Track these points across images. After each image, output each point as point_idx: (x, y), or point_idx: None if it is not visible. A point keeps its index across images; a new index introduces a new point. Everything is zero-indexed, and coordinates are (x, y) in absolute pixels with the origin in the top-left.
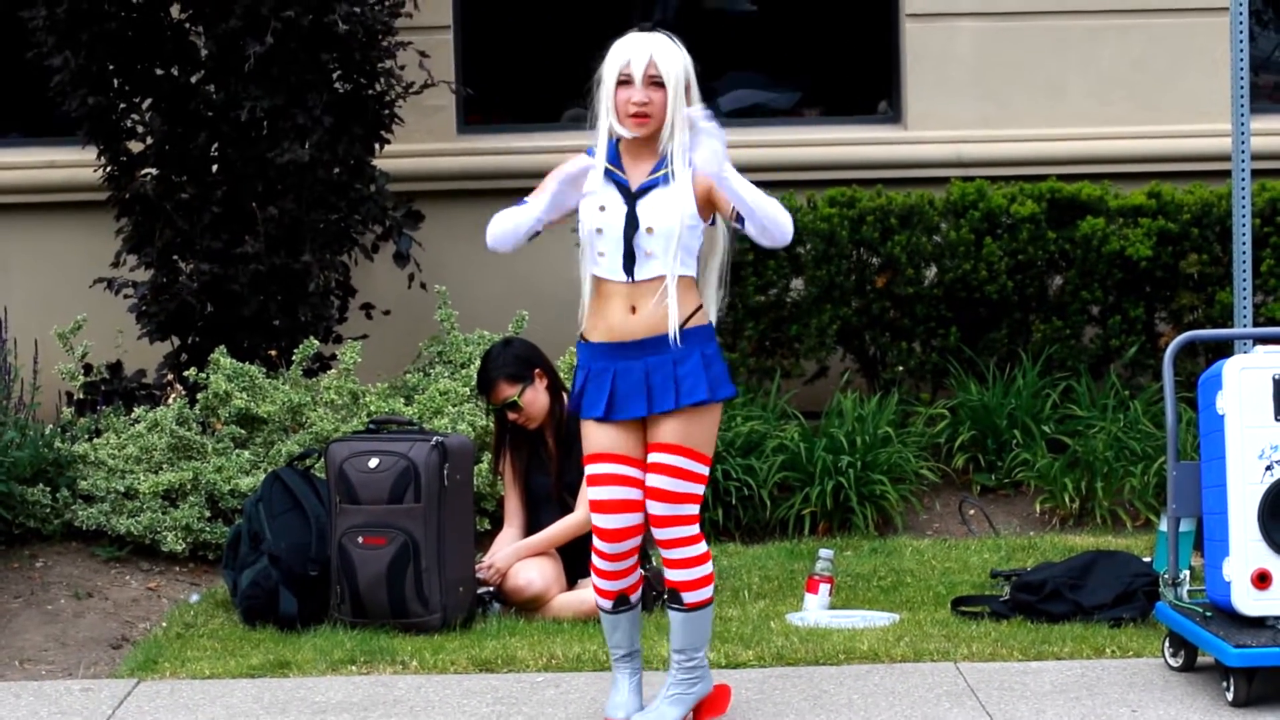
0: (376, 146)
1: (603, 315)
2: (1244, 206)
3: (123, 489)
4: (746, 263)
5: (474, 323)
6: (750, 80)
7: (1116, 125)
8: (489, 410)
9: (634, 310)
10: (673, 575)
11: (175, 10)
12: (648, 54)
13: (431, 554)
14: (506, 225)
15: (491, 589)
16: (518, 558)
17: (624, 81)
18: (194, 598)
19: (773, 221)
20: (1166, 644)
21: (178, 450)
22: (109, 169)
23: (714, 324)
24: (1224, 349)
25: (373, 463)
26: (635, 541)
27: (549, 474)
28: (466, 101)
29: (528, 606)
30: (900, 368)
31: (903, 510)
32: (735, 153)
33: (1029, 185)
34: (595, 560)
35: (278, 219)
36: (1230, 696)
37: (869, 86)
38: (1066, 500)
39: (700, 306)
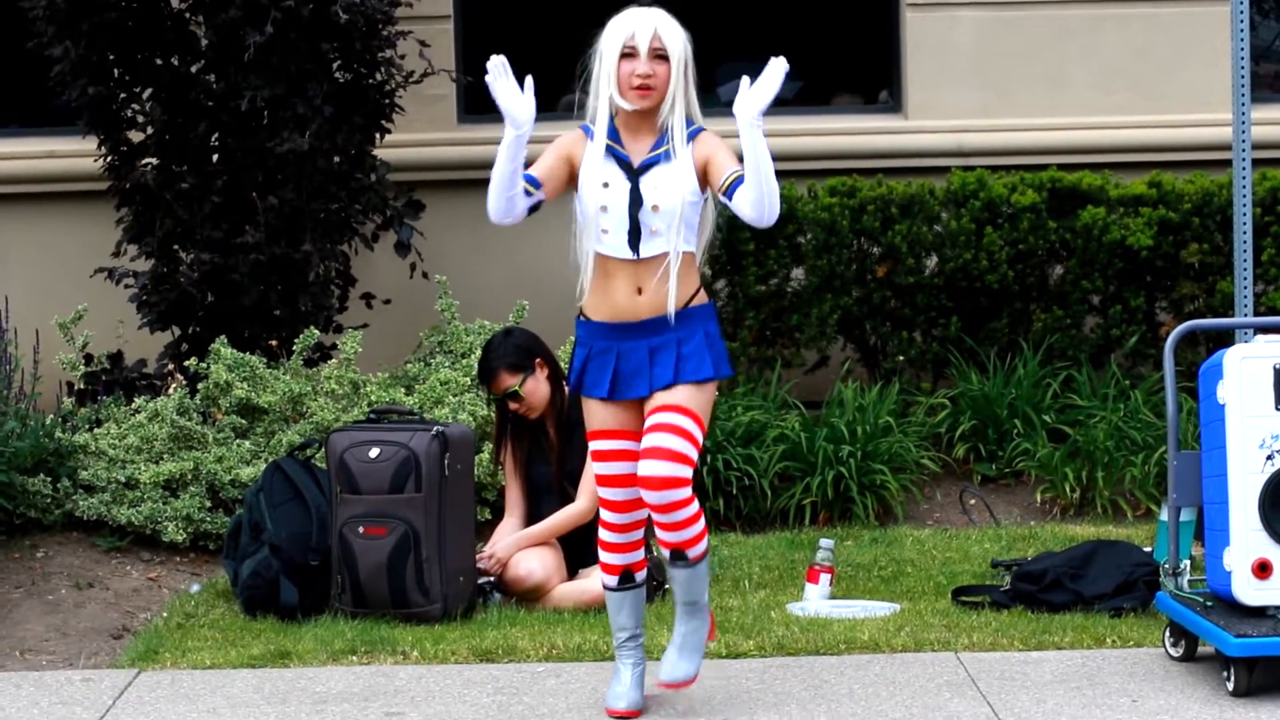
0: (377, 136)
1: (607, 294)
2: (1245, 196)
3: (123, 479)
4: (747, 252)
5: (475, 312)
6: (750, 69)
7: (1117, 115)
8: (490, 400)
9: (639, 291)
10: (675, 537)
11: (175, 0)
12: (652, 27)
13: (432, 544)
14: (498, 191)
15: (492, 579)
16: (518, 548)
17: (628, 54)
18: (195, 588)
19: (771, 190)
20: (1167, 634)
21: (178, 440)
22: (109, 159)
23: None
24: (1225, 338)
25: (373, 452)
26: (643, 513)
27: (550, 464)
28: (467, 91)
29: (528, 596)
30: (901, 357)
31: (903, 500)
32: (735, 142)
33: (1030, 175)
34: (603, 534)
35: (278, 209)
36: (1231, 686)
37: (870, 76)
38: (1067, 490)
39: (700, 286)
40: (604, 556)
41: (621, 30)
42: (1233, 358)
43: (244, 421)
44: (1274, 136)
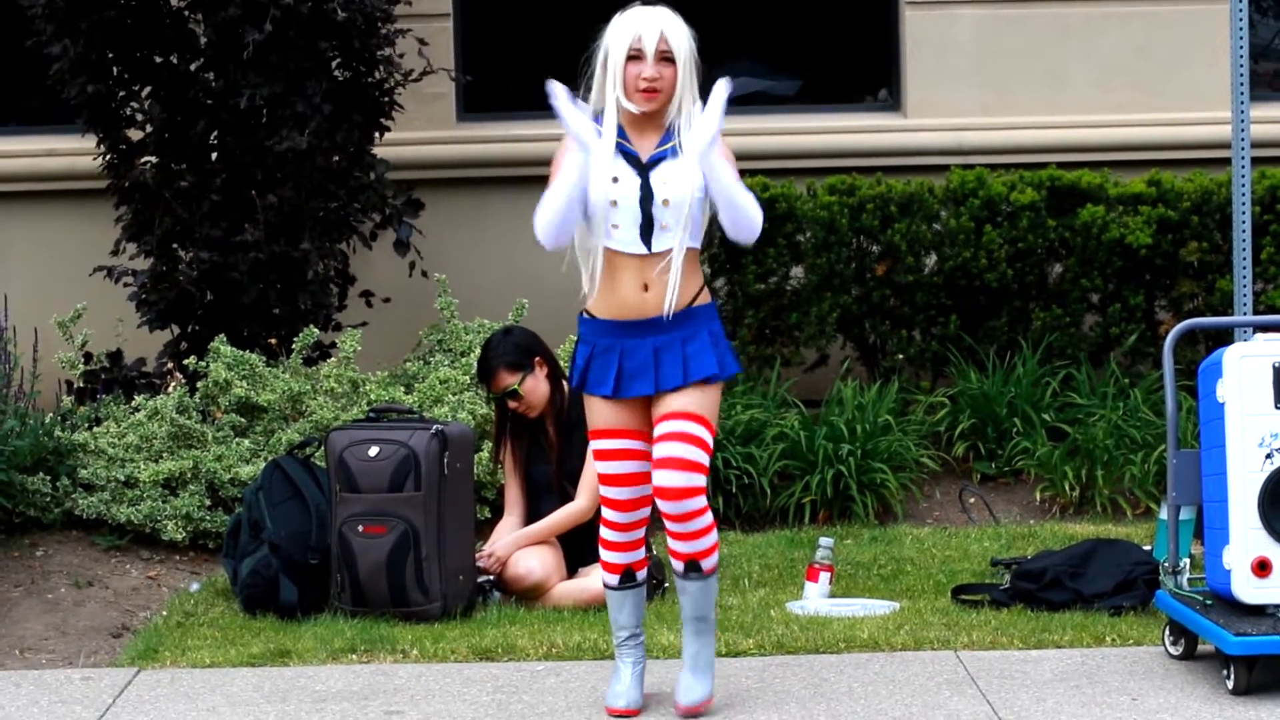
0: (376, 134)
1: (613, 291)
2: (1244, 194)
3: (123, 477)
4: (746, 250)
5: (474, 311)
6: (750, 68)
7: (1116, 113)
8: (489, 399)
9: (646, 288)
10: (691, 547)
11: None
12: (658, 29)
13: (432, 542)
14: (561, 216)
15: (492, 577)
16: (518, 546)
17: (634, 56)
18: (194, 586)
19: (743, 215)
20: (1167, 632)
21: (178, 439)
22: (108, 157)
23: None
24: (1224, 337)
25: (373, 451)
26: (645, 512)
27: (549, 462)
28: (466, 89)
29: (528, 595)
30: (900, 356)
31: (903, 498)
32: (735, 140)
33: (1029, 173)
34: (605, 533)
35: (277, 207)
36: (1230, 685)
37: (869, 74)
38: (1067, 488)
39: (704, 285)
40: (605, 555)
41: (627, 32)
42: (1232, 356)
43: (243, 420)
44: (1273, 135)
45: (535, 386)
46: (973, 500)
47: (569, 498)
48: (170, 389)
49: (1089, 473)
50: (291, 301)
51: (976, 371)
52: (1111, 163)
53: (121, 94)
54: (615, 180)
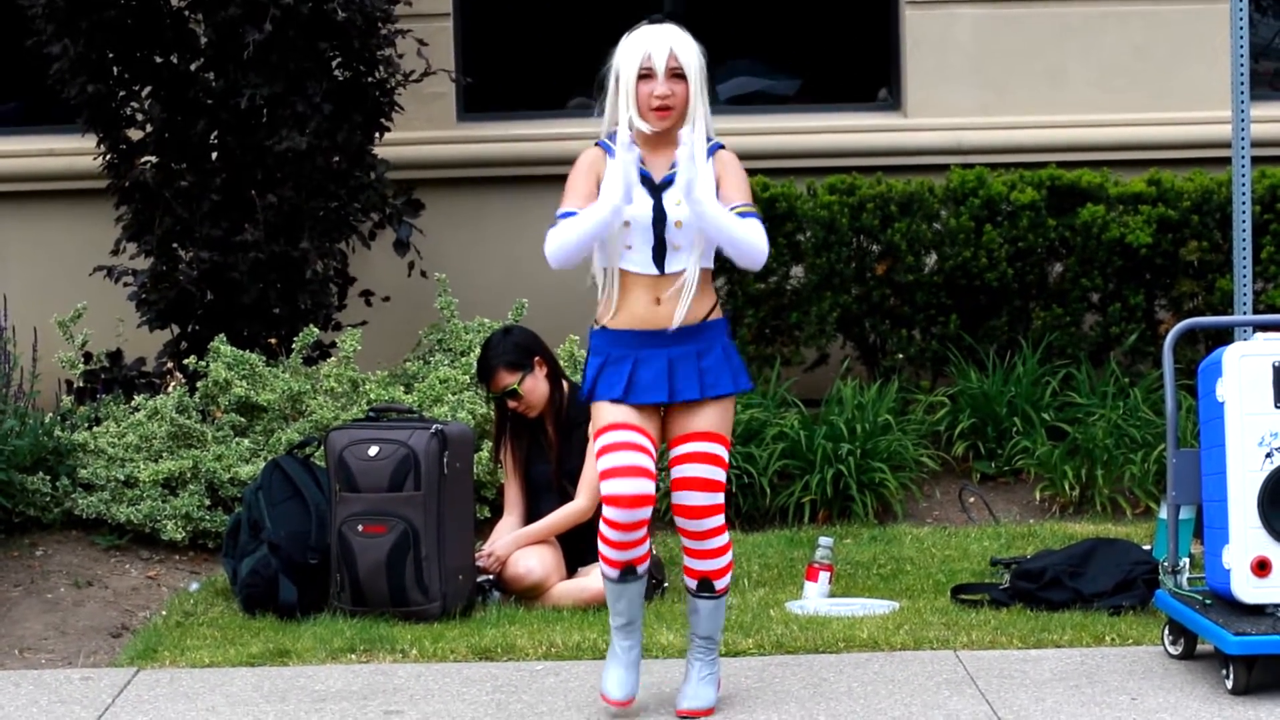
0: (376, 134)
1: (626, 307)
2: (1244, 193)
3: (122, 477)
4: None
5: (474, 310)
6: (750, 68)
7: (1117, 112)
8: (489, 398)
9: (658, 302)
10: (707, 565)
11: None
12: (668, 47)
13: (431, 542)
14: (576, 250)
15: (491, 577)
16: (517, 546)
17: (645, 75)
18: (194, 586)
19: (745, 250)
20: (1166, 632)
21: (177, 438)
22: (108, 157)
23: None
24: (1224, 336)
25: (372, 450)
26: (646, 512)
27: (549, 462)
28: (466, 89)
29: (527, 595)
30: (900, 355)
31: (902, 498)
32: (736, 140)
33: (1029, 172)
34: (605, 530)
35: (277, 207)
36: (1230, 684)
37: (869, 74)
38: (1066, 488)
39: (717, 301)
40: (605, 551)
41: (637, 51)
42: (1232, 355)
43: (243, 420)
44: (1273, 134)
45: (535, 386)
46: (972, 500)
47: (568, 497)
48: (170, 389)
49: (1089, 472)
50: (291, 301)
51: (976, 371)
52: (1111, 162)
53: (121, 94)
54: (629, 203)
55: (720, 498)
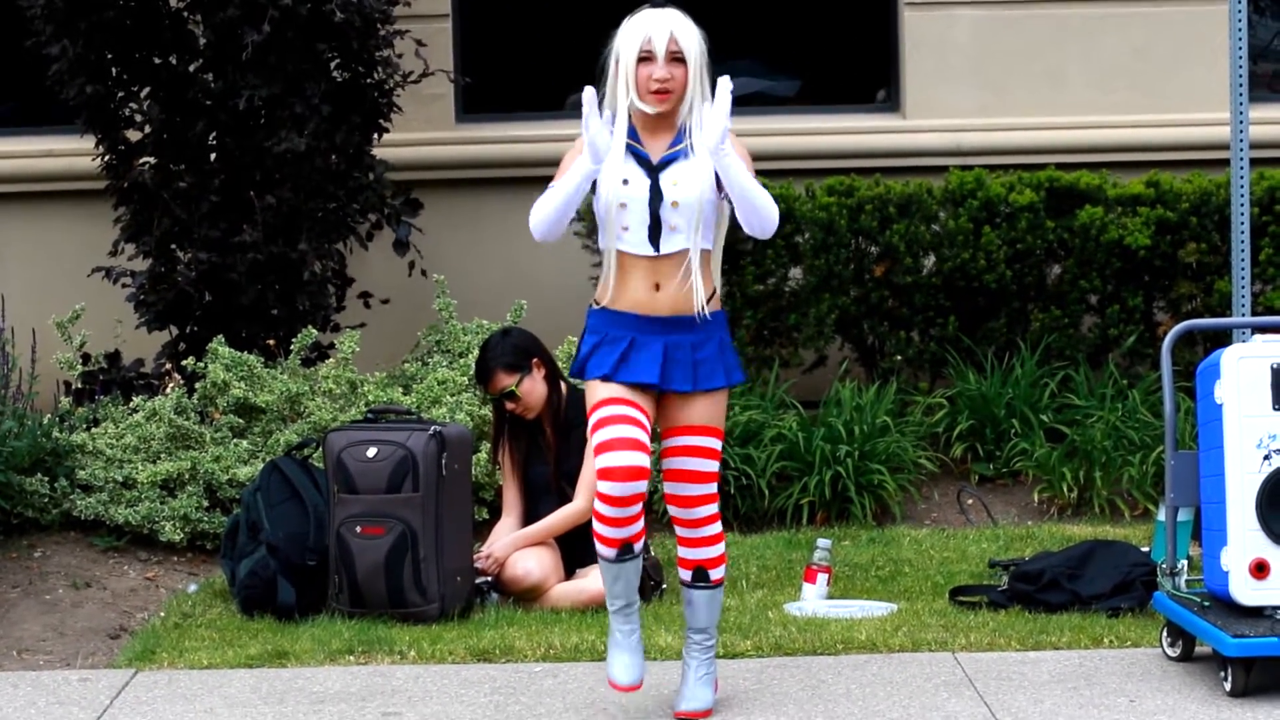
0: (374, 135)
1: (625, 290)
2: (1242, 195)
3: (121, 478)
4: (745, 251)
5: (472, 312)
6: (749, 68)
7: (1115, 114)
8: (487, 400)
9: (657, 287)
10: (700, 554)
11: None
12: (668, 30)
13: (429, 543)
14: (556, 216)
15: (490, 579)
16: (516, 547)
17: (645, 58)
18: (192, 588)
19: (758, 210)
20: (1164, 634)
21: (176, 440)
22: (107, 158)
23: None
24: (1222, 338)
25: (371, 452)
26: (641, 486)
27: (547, 463)
28: (465, 90)
29: (526, 596)
30: (899, 357)
31: (901, 500)
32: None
33: (1027, 174)
34: (600, 507)
35: (275, 208)
36: (1228, 686)
37: (868, 75)
38: (1065, 490)
39: (716, 290)
40: (601, 530)
41: (638, 33)
42: (1230, 357)
43: (241, 421)
44: (1272, 136)
45: (533, 388)
46: (971, 501)
47: (567, 499)
48: (168, 390)
49: (1087, 474)
50: (290, 302)
51: (975, 373)
52: (1110, 164)
53: (120, 94)
54: (625, 182)
55: (713, 488)
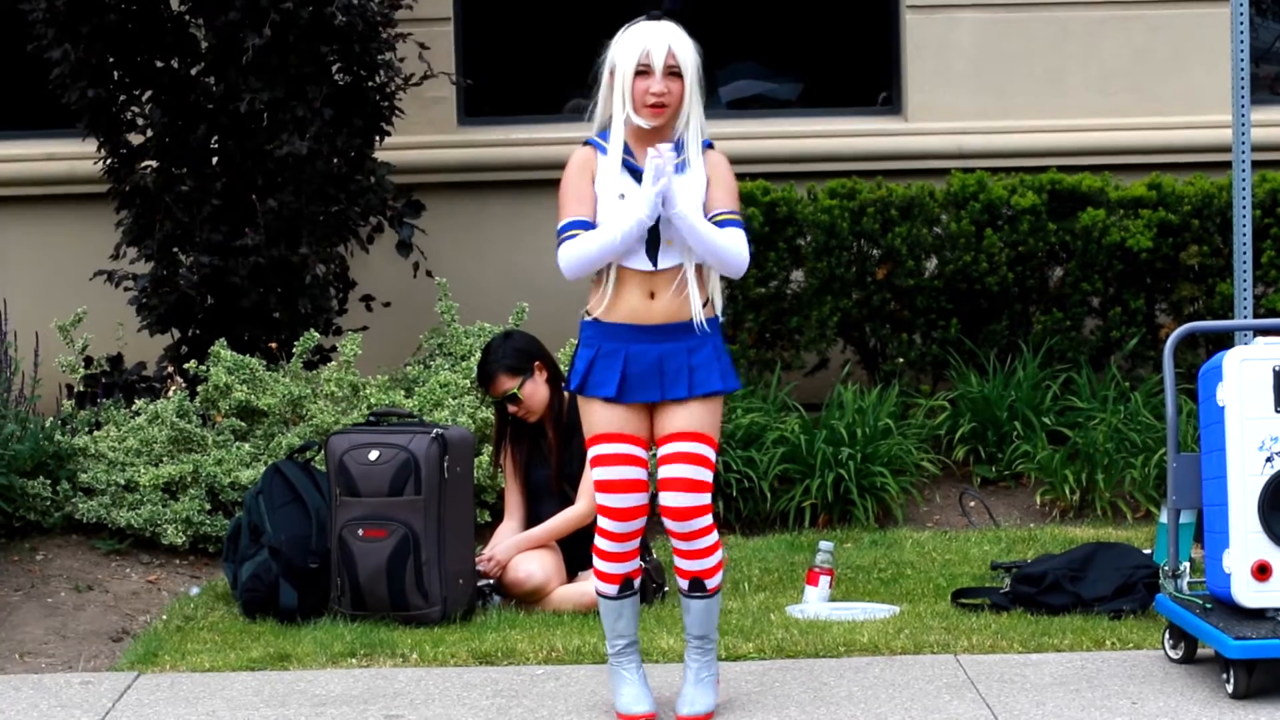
0: (376, 139)
1: (619, 301)
2: (1244, 198)
3: (123, 482)
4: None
5: (474, 315)
6: (751, 71)
7: (1117, 116)
8: (489, 402)
9: (652, 296)
10: (696, 565)
11: (175, 2)
12: (666, 44)
13: (432, 546)
14: (595, 263)
15: (492, 581)
16: (518, 550)
17: (642, 71)
18: (194, 590)
19: (725, 261)
20: (1166, 636)
21: (178, 443)
22: (109, 161)
23: (720, 312)
24: (1224, 340)
25: (373, 455)
26: (642, 522)
27: (549, 466)
28: (467, 93)
29: (528, 599)
30: (901, 359)
31: (903, 502)
32: (736, 144)
33: (1029, 177)
34: (600, 543)
35: (277, 211)
36: (1230, 688)
37: (869, 78)
38: (1067, 492)
39: (710, 298)
40: (602, 566)
41: (636, 47)
42: (1232, 360)
43: (243, 424)
44: (1274, 138)
45: (535, 390)
46: (973, 504)
47: (569, 501)
48: (170, 393)
49: (1089, 476)
50: (291, 305)
51: (977, 375)
52: (1112, 166)
53: (122, 98)
54: (622, 197)
55: (707, 498)
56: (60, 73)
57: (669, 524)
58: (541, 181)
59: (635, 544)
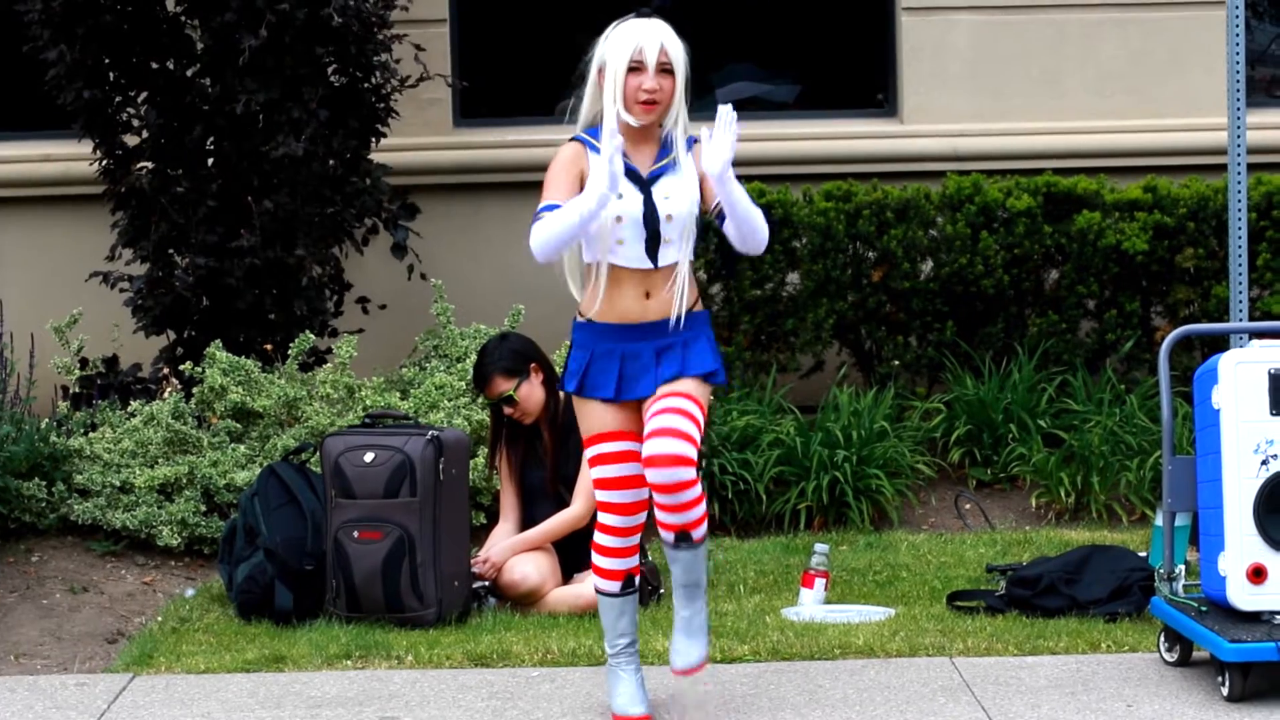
0: (372, 140)
1: (614, 301)
2: (1240, 200)
3: (118, 483)
4: (742, 257)
5: (470, 317)
6: (746, 73)
7: (1113, 119)
8: (485, 404)
9: (647, 295)
10: (679, 518)
11: (171, 3)
12: (658, 41)
13: (427, 548)
14: (562, 243)
15: (487, 583)
16: (513, 552)
17: (635, 68)
18: (189, 592)
19: (756, 231)
20: (1162, 639)
21: (173, 444)
22: (105, 162)
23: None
24: (1220, 343)
25: (368, 457)
26: (643, 517)
27: (545, 468)
28: (463, 95)
29: (523, 601)
30: (896, 362)
31: (898, 505)
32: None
33: (1025, 179)
34: (602, 539)
35: (273, 213)
36: (1225, 691)
37: (865, 80)
38: (1062, 495)
39: (698, 293)
40: (603, 563)
41: (628, 44)
42: (1228, 363)
43: (239, 425)
44: (1269, 141)
45: (531, 392)
46: (968, 506)
47: (564, 503)
48: (166, 394)
49: (1085, 479)
50: (287, 307)
51: (972, 377)
52: (1108, 169)
53: (118, 99)
54: (619, 196)
55: (691, 450)
56: (56, 74)
57: (651, 475)
58: (537, 183)
59: (637, 539)
